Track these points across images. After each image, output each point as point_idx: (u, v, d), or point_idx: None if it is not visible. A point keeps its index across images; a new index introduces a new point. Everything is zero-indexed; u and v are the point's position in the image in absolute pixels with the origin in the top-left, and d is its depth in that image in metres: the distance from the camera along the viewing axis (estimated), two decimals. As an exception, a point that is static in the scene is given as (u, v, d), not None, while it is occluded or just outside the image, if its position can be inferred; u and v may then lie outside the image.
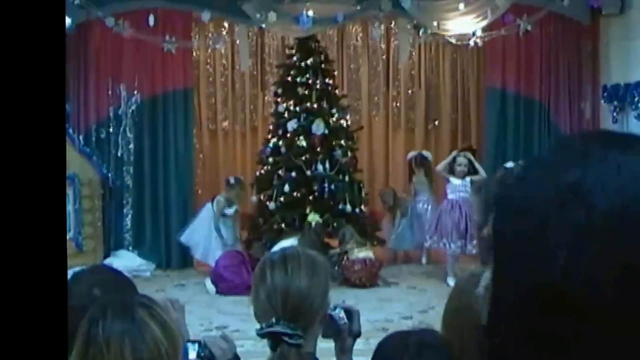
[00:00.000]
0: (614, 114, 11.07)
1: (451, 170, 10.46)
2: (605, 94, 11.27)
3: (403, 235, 11.21)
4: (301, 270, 2.76)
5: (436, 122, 13.25)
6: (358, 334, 3.07)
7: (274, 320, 2.65)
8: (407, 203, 11.31)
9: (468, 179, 10.37)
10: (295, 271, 2.75)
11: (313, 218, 10.37)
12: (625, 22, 10.89)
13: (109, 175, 11.01)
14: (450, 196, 10.42)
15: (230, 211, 10.66)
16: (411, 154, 11.63)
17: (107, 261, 10.60)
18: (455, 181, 10.40)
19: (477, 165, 10.53)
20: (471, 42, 10.91)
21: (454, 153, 10.66)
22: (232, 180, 10.92)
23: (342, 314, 3.01)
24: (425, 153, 11.69)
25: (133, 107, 11.00)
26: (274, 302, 2.68)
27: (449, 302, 2.65)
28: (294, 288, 2.71)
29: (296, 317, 2.67)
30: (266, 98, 12.62)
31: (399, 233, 11.20)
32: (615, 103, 11.00)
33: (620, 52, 11.04)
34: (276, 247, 9.33)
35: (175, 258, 11.11)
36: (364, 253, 10.25)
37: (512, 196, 0.95)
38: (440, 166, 10.67)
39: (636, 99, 10.26)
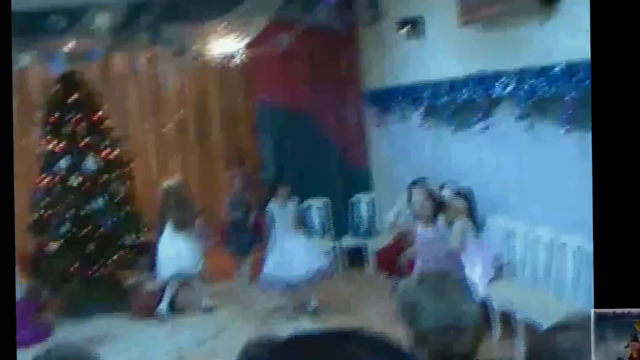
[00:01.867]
0: (377, 119, 11.58)
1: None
2: (367, 100, 11.77)
3: None
4: None
5: (210, 139, 13.21)
6: None
7: None
8: None
9: (441, 221, 7.16)
10: None
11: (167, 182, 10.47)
12: (378, 30, 11.40)
13: None
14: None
15: None
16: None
17: None
18: (423, 229, 7.21)
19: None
20: (235, 61, 11.08)
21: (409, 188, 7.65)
22: None
23: None
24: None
25: None
26: None
27: None
28: None
29: None
30: (29, 139, 12.04)
31: None
32: (377, 108, 11.51)
33: (376, 58, 11.56)
34: None
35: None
36: None
37: None
38: (394, 214, 7.60)
39: (394, 102, 10.77)
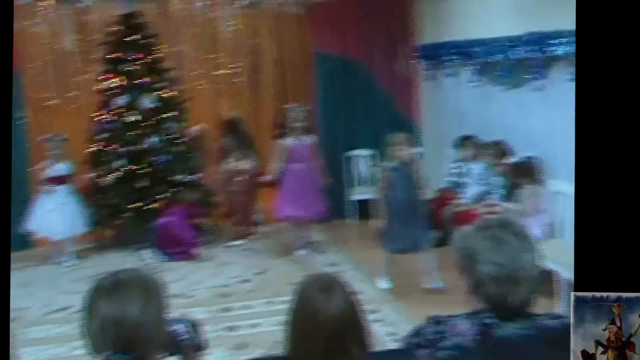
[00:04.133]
0: (429, 72, 11.68)
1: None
2: (420, 54, 11.85)
3: None
4: (134, 297, 2.64)
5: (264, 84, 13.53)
6: (202, 347, 3.05)
7: (108, 353, 2.57)
8: None
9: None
10: (129, 298, 2.63)
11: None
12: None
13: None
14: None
15: (60, 169, 10.11)
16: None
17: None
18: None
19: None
20: (291, 9, 11.22)
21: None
22: (48, 136, 10.30)
23: (185, 329, 2.98)
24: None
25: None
26: (107, 334, 2.58)
27: None
28: (128, 317, 2.59)
29: (131, 347, 2.58)
30: (89, 75, 12.29)
31: None
32: (430, 62, 11.60)
33: (432, 12, 11.62)
34: None
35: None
36: None
37: None
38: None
39: (447, 57, 10.85)
